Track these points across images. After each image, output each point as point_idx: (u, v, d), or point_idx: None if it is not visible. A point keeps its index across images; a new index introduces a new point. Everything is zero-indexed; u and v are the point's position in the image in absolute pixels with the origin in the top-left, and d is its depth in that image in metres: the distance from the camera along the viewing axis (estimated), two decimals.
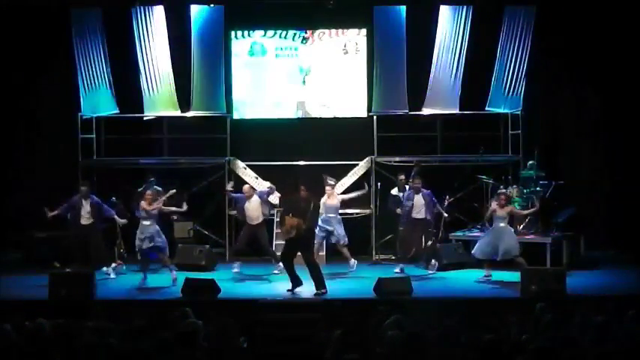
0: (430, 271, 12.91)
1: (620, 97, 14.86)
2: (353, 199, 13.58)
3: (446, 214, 13.46)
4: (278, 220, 12.90)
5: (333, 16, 15.18)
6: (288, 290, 11.56)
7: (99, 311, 9.39)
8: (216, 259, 13.81)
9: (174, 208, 12.81)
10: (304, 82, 15.55)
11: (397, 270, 12.85)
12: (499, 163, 14.96)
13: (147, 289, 11.89)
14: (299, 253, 11.62)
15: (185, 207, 12.68)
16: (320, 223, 12.83)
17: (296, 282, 11.54)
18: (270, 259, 13.25)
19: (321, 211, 12.79)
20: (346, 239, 13.25)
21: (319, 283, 11.40)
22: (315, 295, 11.34)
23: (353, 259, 13.23)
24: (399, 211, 13.89)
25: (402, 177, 14.00)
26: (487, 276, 12.32)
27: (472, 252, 12.69)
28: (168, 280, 12.16)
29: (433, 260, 13.02)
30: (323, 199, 13.19)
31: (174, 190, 13.03)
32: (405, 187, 13.75)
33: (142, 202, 12.26)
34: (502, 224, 12.25)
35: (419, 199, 12.86)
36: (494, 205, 12.49)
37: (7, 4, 14.62)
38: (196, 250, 13.72)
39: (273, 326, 10.46)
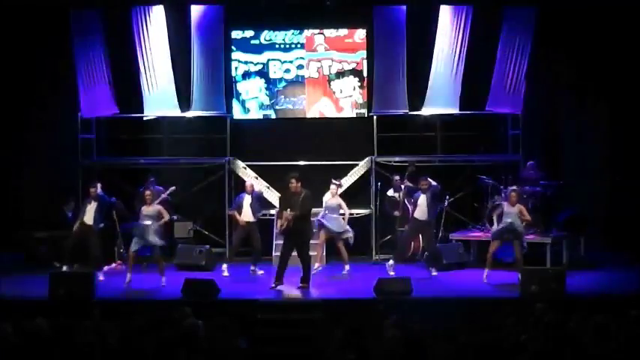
0: (433, 274, 12.79)
1: (620, 96, 14.86)
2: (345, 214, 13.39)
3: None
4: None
5: (333, 16, 15.19)
6: (271, 288, 11.73)
7: (99, 311, 9.38)
8: (216, 259, 13.81)
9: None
10: (304, 81, 15.60)
11: (390, 270, 12.70)
12: (499, 163, 14.96)
13: (147, 289, 11.88)
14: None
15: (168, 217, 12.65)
16: (322, 219, 13.00)
17: (280, 280, 11.79)
18: (266, 259, 13.38)
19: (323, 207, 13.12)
20: (351, 235, 13.04)
21: (305, 279, 11.77)
22: (298, 287, 11.70)
23: (348, 266, 13.07)
24: (396, 213, 13.89)
25: (398, 178, 14.00)
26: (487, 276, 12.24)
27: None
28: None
29: (433, 268, 12.88)
30: (326, 197, 13.26)
31: (173, 187, 13.03)
32: (401, 188, 13.73)
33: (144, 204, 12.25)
34: (509, 220, 12.13)
35: (423, 200, 12.77)
36: (504, 203, 12.42)
37: (7, 4, 14.61)
38: (196, 250, 13.72)
39: (273, 326, 10.46)
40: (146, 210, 12.17)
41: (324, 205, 13.22)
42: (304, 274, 11.84)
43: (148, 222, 12.06)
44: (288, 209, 11.77)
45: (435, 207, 13.03)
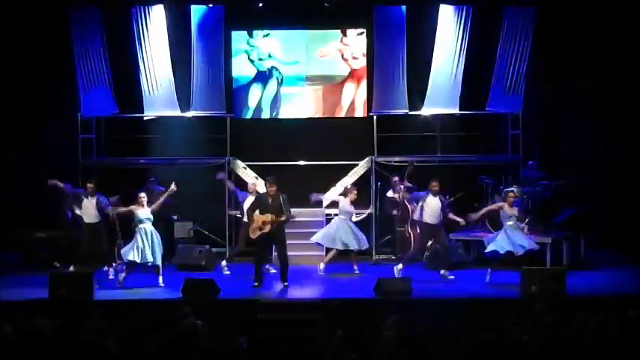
0: (448, 277, 12.51)
1: (620, 96, 14.86)
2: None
3: (460, 220, 12.61)
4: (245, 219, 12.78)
5: (333, 16, 15.19)
6: (253, 286, 11.84)
7: (99, 311, 9.39)
8: (216, 259, 13.81)
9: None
10: (305, 81, 15.62)
11: (397, 271, 12.51)
12: (499, 163, 14.96)
13: (147, 289, 11.88)
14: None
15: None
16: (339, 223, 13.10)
17: (260, 279, 11.94)
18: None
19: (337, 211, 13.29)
20: (367, 244, 13.29)
21: (285, 276, 11.90)
22: (284, 286, 11.81)
23: (356, 266, 13.19)
24: (394, 213, 13.88)
25: (396, 178, 14.00)
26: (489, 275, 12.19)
27: (486, 251, 12.26)
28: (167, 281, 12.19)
29: (447, 271, 12.63)
30: (340, 200, 13.35)
31: (174, 188, 13.00)
32: (400, 188, 13.70)
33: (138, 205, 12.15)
34: (511, 222, 12.16)
35: (434, 203, 12.45)
36: (502, 203, 12.40)
37: (7, 4, 14.60)
38: (196, 250, 13.72)
39: (273, 326, 10.45)
40: (142, 213, 12.08)
41: (343, 209, 13.21)
42: (284, 273, 11.92)
43: (142, 225, 12.01)
44: (268, 214, 11.74)
45: (445, 213, 12.69)
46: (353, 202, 13.23)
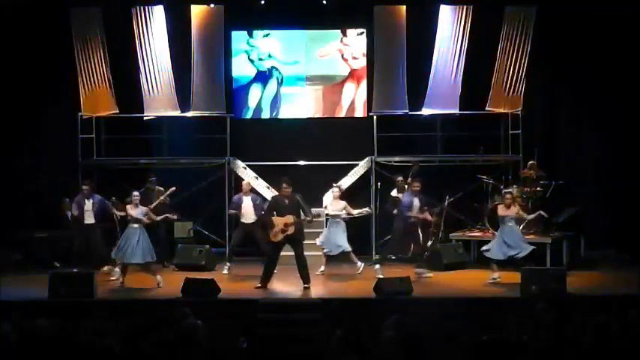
0: (425, 275, 12.64)
1: (620, 96, 14.86)
2: (353, 215, 13.41)
3: (431, 218, 12.87)
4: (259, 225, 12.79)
5: (333, 16, 15.20)
6: (257, 287, 11.76)
7: (99, 311, 9.39)
8: (216, 259, 13.80)
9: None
10: (305, 81, 15.61)
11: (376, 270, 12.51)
12: (499, 163, 14.96)
13: (147, 289, 11.88)
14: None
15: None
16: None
17: (267, 281, 11.86)
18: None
19: (327, 213, 13.20)
20: (349, 247, 13.10)
21: (307, 278, 11.77)
22: (305, 288, 11.68)
23: (360, 262, 13.13)
24: (395, 212, 13.88)
25: (400, 178, 13.99)
26: (495, 278, 12.20)
27: (485, 252, 12.30)
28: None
29: (422, 269, 12.69)
30: (327, 200, 13.29)
31: (173, 188, 13.01)
32: (405, 187, 13.71)
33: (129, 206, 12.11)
34: (510, 224, 12.17)
35: (416, 203, 12.57)
36: (500, 206, 12.41)
37: (7, 3, 14.60)
38: (196, 250, 13.73)
39: (273, 326, 10.45)
40: (134, 213, 12.02)
41: (328, 209, 13.22)
42: (305, 273, 11.81)
43: (135, 225, 11.99)
44: (288, 215, 11.63)
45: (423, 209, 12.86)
46: (338, 198, 13.20)
